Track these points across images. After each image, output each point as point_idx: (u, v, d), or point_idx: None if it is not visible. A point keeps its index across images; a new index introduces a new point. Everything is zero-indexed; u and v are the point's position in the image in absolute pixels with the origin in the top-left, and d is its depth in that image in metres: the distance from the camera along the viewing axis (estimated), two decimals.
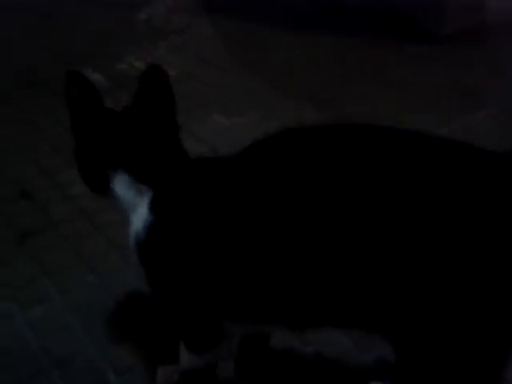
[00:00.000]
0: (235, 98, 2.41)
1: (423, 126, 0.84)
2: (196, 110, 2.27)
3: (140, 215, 0.90)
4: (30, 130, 2.02)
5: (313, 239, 0.77)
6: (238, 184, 0.85)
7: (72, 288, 1.34)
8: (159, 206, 0.90)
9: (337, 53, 2.66)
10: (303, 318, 0.87)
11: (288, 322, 0.90)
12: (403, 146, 0.78)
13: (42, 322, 1.25)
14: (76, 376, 1.14)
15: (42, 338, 1.21)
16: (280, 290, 0.82)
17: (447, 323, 0.74)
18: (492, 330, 0.75)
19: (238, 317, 0.93)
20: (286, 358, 1.14)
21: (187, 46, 2.78)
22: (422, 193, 0.73)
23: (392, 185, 0.74)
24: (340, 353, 1.14)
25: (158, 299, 1.01)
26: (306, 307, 0.84)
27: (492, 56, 2.46)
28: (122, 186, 0.92)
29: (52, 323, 1.25)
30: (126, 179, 0.91)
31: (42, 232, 1.52)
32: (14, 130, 2.02)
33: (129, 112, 0.96)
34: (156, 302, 1.05)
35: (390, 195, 0.74)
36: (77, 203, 1.59)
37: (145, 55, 2.65)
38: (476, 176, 0.75)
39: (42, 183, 1.71)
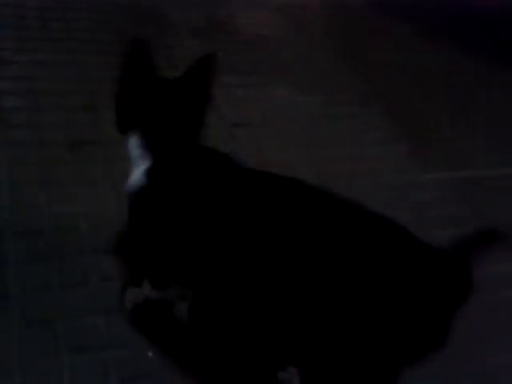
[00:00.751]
0: (311, 76, 2.50)
1: None
2: (267, 77, 2.39)
3: (138, 173, 1.11)
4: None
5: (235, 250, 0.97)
6: (211, 183, 1.04)
7: (96, 198, 1.58)
8: (151, 175, 1.09)
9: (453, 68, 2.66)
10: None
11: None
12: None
13: (65, 216, 1.51)
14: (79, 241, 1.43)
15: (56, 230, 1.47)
16: (201, 272, 1.03)
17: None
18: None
19: (176, 280, 1.17)
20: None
21: (294, 10, 2.84)
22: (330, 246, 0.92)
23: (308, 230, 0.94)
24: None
25: (131, 236, 1.22)
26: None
27: None
28: (132, 144, 1.12)
29: (71, 220, 1.51)
30: (137, 142, 1.11)
31: (89, 144, 1.77)
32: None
33: (165, 90, 1.11)
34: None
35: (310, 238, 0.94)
36: None
37: (247, 8, 2.77)
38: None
39: (104, 101, 1.93)
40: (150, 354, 1.26)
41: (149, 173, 1.09)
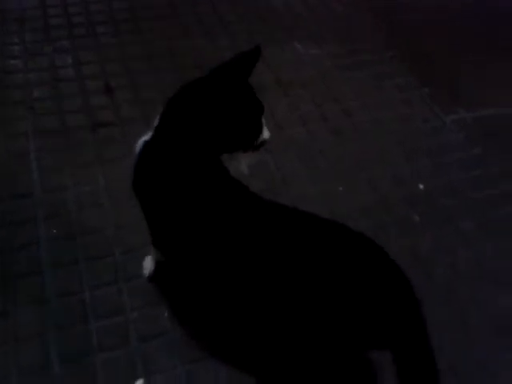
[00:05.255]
0: (324, 29, 2.45)
1: None
2: (279, 35, 2.38)
3: (141, 140, 1.20)
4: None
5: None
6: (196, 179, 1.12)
7: (115, 176, 1.71)
8: (145, 147, 1.18)
9: None
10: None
11: None
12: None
13: (86, 197, 1.67)
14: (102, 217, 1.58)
15: (80, 209, 1.64)
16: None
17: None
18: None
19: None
20: None
21: None
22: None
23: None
24: None
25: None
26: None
27: None
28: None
29: (93, 198, 1.67)
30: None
31: (110, 126, 1.90)
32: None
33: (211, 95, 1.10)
34: None
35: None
36: (145, 107, 1.92)
37: None
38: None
39: (124, 83, 2.06)
40: (166, 314, 1.41)
41: (144, 144, 1.18)
